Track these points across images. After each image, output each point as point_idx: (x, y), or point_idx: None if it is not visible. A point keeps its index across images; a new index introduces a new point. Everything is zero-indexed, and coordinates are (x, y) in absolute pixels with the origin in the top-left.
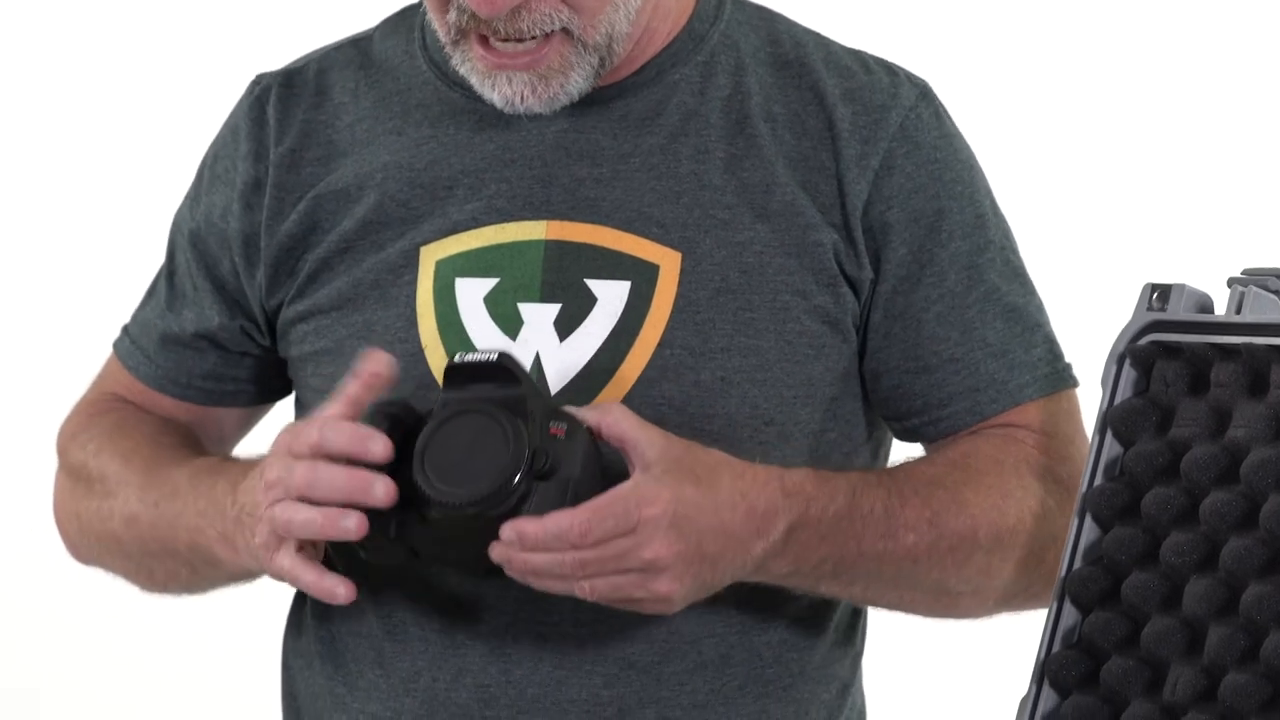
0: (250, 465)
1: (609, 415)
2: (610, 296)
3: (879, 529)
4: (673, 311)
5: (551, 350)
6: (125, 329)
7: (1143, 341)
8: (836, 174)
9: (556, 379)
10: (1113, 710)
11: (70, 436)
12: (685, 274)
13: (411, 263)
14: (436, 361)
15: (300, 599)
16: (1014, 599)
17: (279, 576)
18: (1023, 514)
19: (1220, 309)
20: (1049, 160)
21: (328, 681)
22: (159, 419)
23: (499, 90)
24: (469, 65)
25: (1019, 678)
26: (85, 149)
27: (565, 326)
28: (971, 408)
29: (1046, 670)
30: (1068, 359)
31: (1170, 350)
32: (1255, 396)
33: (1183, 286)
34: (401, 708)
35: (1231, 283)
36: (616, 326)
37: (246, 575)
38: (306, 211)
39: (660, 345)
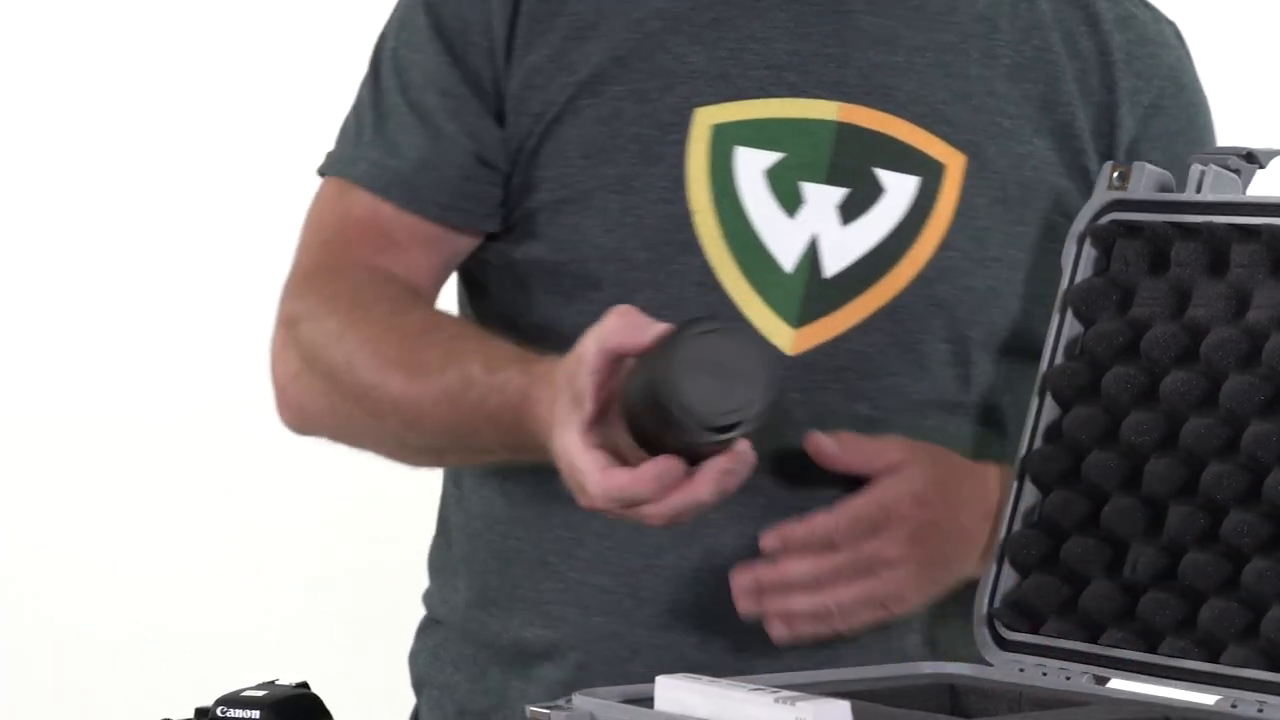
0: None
1: (841, 451)
2: (899, 189)
3: None
4: (955, 214)
5: (833, 232)
6: (356, 158)
7: (1103, 220)
8: (1108, 103)
9: (834, 262)
10: (1073, 589)
11: (302, 314)
12: (969, 177)
13: (683, 121)
14: (706, 230)
15: None
16: None
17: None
18: None
19: (1181, 188)
20: None
21: (517, 542)
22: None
23: None
24: None
25: None
26: (89, 144)
27: (850, 212)
28: None
29: (1006, 549)
30: None
31: (1131, 229)
32: (1215, 276)
33: (1143, 165)
34: (639, 585)
35: (1192, 161)
36: (903, 220)
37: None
38: (556, 46)
39: (941, 246)
